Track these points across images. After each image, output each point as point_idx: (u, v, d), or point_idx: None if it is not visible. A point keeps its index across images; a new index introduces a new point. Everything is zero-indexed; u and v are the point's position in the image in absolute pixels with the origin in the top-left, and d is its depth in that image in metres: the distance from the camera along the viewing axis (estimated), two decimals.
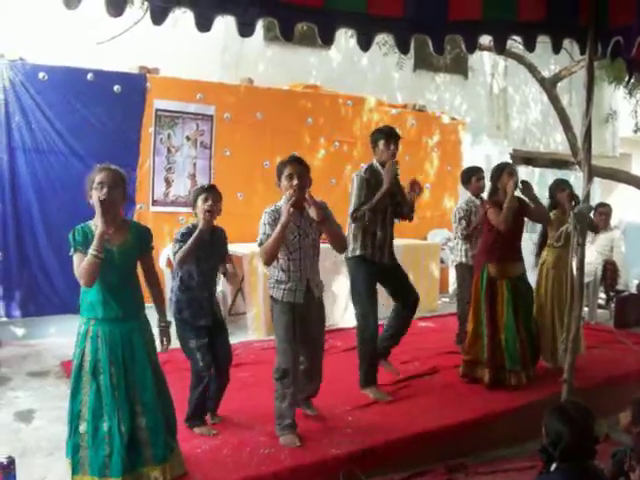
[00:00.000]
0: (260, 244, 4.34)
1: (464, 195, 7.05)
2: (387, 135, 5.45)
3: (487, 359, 5.61)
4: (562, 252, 6.03)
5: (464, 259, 6.76)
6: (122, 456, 3.53)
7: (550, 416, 3.14)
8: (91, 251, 3.47)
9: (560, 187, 6.33)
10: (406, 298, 5.56)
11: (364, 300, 5.36)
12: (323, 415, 4.94)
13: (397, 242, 5.76)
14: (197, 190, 4.58)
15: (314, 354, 4.74)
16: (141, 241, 3.81)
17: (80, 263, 3.52)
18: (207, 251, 4.50)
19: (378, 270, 5.40)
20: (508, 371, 5.61)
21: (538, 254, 6.47)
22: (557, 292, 6.15)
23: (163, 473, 3.68)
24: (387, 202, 5.37)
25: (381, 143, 5.43)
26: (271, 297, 4.54)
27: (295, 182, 4.25)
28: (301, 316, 4.49)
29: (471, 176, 6.76)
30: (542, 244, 6.43)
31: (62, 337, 6.60)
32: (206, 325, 4.56)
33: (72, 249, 3.62)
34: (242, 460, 4.19)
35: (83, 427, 3.60)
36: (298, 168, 4.32)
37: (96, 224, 3.56)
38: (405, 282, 5.61)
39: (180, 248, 4.39)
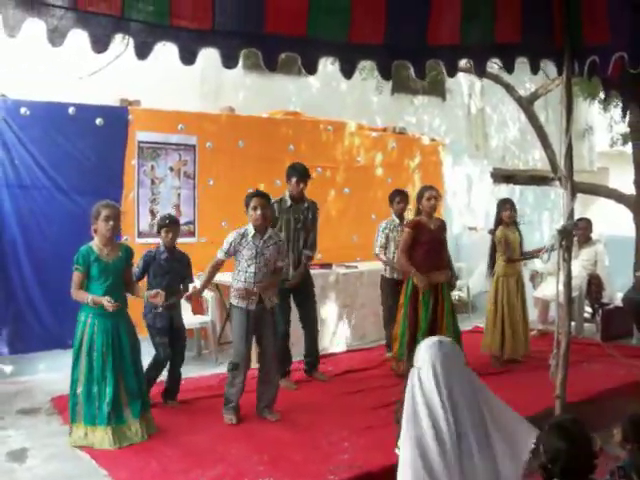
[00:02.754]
0: (222, 247, 5.47)
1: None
2: (299, 173, 6.44)
3: (407, 356, 6.22)
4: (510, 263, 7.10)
5: (383, 272, 7.51)
6: (107, 410, 4.86)
7: (548, 433, 3.16)
8: (89, 301, 4.88)
9: (504, 206, 7.25)
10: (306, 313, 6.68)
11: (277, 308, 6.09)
12: (320, 441, 4.95)
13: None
14: (160, 223, 5.98)
15: (268, 360, 5.55)
16: (127, 258, 5.18)
17: (76, 281, 4.96)
18: (163, 268, 5.76)
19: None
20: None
21: (491, 266, 7.33)
22: (508, 297, 7.09)
23: (139, 427, 4.99)
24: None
25: (293, 180, 6.43)
26: (230, 304, 5.56)
27: (258, 212, 5.30)
28: (255, 322, 5.43)
29: (393, 198, 7.47)
30: (492, 257, 7.29)
31: (52, 373, 6.55)
32: (163, 327, 5.74)
33: (74, 267, 4.94)
34: None
35: (80, 389, 4.92)
36: (261, 201, 5.35)
37: (97, 245, 4.99)
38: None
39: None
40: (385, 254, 7.39)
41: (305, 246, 6.56)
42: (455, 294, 8.42)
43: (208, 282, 5.69)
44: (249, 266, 5.38)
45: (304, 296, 6.65)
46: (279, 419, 5.45)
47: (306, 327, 6.72)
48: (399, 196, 7.48)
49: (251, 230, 5.39)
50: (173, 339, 5.86)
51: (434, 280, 6.47)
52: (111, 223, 4.98)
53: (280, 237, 5.67)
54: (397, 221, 7.40)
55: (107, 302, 4.79)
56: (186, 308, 7.24)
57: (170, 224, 5.89)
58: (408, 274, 6.55)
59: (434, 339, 2.85)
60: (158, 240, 6.01)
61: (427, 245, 6.46)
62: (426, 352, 2.75)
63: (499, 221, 7.22)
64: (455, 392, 2.69)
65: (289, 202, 6.47)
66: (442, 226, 6.68)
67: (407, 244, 6.48)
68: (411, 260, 6.52)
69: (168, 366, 5.89)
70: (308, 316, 6.70)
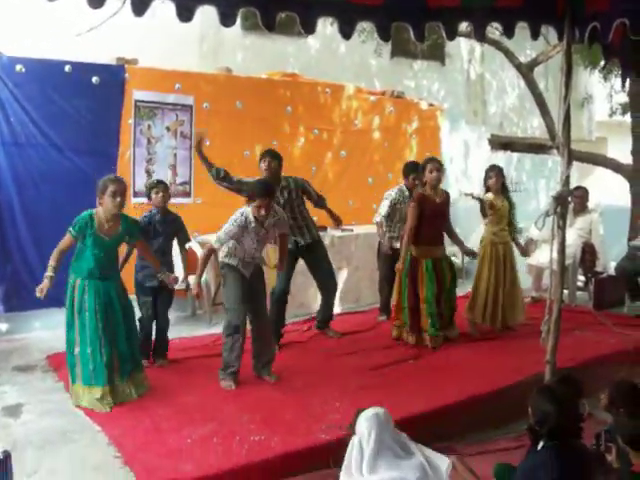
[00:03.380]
0: (219, 236, 5.28)
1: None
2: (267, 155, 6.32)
3: (410, 325, 6.50)
4: (497, 229, 7.02)
5: (382, 239, 7.42)
6: (102, 371, 4.90)
7: (537, 396, 3.21)
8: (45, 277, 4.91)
9: (490, 173, 7.04)
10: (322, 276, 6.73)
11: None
12: (311, 401, 4.99)
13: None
14: (149, 185, 6.02)
15: (261, 320, 5.53)
16: (130, 233, 5.15)
17: (63, 243, 4.95)
18: (157, 231, 5.79)
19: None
20: (429, 336, 6.43)
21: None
22: (495, 264, 6.98)
23: (127, 388, 5.04)
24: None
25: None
26: (223, 264, 5.43)
27: (262, 212, 5.18)
28: (249, 285, 5.38)
29: (409, 174, 7.25)
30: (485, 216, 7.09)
31: (47, 331, 6.59)
32: (152, 286, 5.78)
33: (69, 229, 4.89)
34: (232, 449, 4.23)
35: (77, 350, 4.94)
36: (264, 201, 5.16)
37: (100, 217, 4.93)
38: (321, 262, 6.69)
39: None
40: (388, 224, 7.33)
41: (320, 206, 6.72)
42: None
43: (202, 272, 5.48)
44: (248, 247, 5.35)
45: (317, 260, 6.65)
46: (277, 380, 5.45)
47: (323, 288, 6.78)
48: (414, 173, 7.15)
49: (252, 219, 5.24)
50: (161, 298, 5.92)
51: (433, 254, 6.50)
52: (118, 199, 4.92)
53: (280, 213, 5.50)
54: (407, 193, 7.30)
55: (39, 292, 4.82)
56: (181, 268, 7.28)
57: (158, 184, 5.93)
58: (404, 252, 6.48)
59: (371, 413, 3.32)
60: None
61: (429, 219, 6.42)
62: (364, 424, 3.22)
63: (487, 189, 7.12)
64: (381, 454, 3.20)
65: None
66: (446, 199, 6.63)
67: (414, 220, 6.37)
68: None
69: (155, 325, 5.97)
70: (325, 278, 6.73)
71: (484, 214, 7.06)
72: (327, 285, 6.78)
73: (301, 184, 6.57)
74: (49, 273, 4.90)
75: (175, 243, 6.05)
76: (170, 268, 5.90)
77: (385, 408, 2.99)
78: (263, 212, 5.18)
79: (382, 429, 2.85)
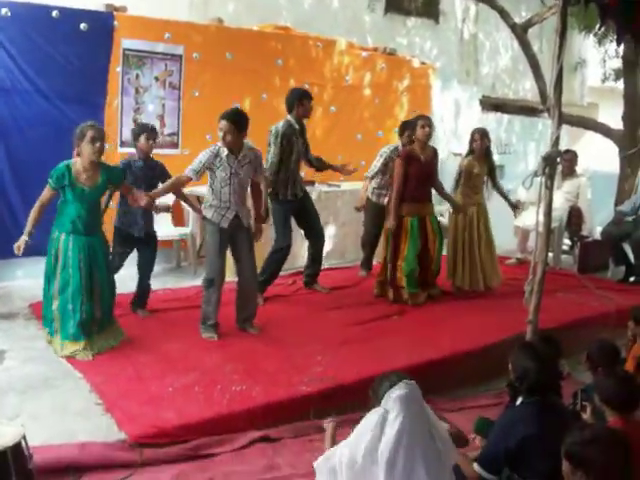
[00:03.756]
0: (192, 164, 5.27)
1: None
2: (309, 94, 6.49)
3: (389, 281, 6.55)
4: (468, 191, 7.05)
5: (370, 195, 7.52)
6: (82, 327, 4.86)
7: (518, 353, 3.24)
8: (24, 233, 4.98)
9: (474, 136, 7.05)
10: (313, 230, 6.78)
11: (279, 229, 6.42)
12: (293, 354, 5.03)
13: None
14: (140, 129, 5.83)
15: (246, 274, 5.49)
16: (112, 180, 5.07)
17: (43, 195, 4.92)
18: (137, 177, 5.62)
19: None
20: (407, 293, 6.49)
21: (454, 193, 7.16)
22: (467, 228, 7.02)
23: (109, 338, 5.07)
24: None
25: (306, 101, 6.41)
26: (204, 217, 5.43)
27: (227, 137, 5.13)
28: (230, 238, 5.37)
29: (404, 131, 7.17)
30: (457, 183, 7.14)
31: (30, 279, 6.52)
32: (137, 236, 5.69)
33: (47, 181, 4.86)
34: (214, 398, 4.27)
35: (55, 304, 4.93)
36: (227, 126, 5.12)
37: (78, 167, 4.85)
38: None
39: None
40: (379, 181, 7.38)
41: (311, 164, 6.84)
42: None
43: (165, 192, 5.49)
44: (223, 187, 5.25)
45: (308, 212, 6.69)
46: (259, 332, 5.50)
47: (313, 243, 6.81)
48: (409, 131, 7.12)
49: (224, 150, 5.23)
50: (144, 250, 5.88)
51: (420, 212, 6.52)
52: (97, 145, 4.83)
53: (257, 155, 5.47)
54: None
55: (17, 249, 4.94)
56: (166, 219, 7.25)
57: (152, 130, 5.85)
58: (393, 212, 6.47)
59: (404, 387, 2.90)
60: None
61: (416, 177, 6.43)
62: (396, 401, 2.84)
63: (471, 150, 7.10)
64: (413, 434, 2.80)
65: (297, 126, 6.40)
66: (433, 156, 6.63)
67: (401, 177, 6.41)
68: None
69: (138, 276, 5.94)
70: (316, 233, 6.77)
71: (457, 183, 7.11)
72: (318, 239, 6.81)
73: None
74: (28, 228, 4.91)
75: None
76: (150, 217, 5.85)
77: (413, 382, 2.93)
78: (229, 138, 5.13)
79: (413, 412, 2.79)
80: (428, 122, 6.50)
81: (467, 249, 7.02)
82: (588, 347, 4.08)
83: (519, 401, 3.21)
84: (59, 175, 4.82)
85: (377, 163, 7.36)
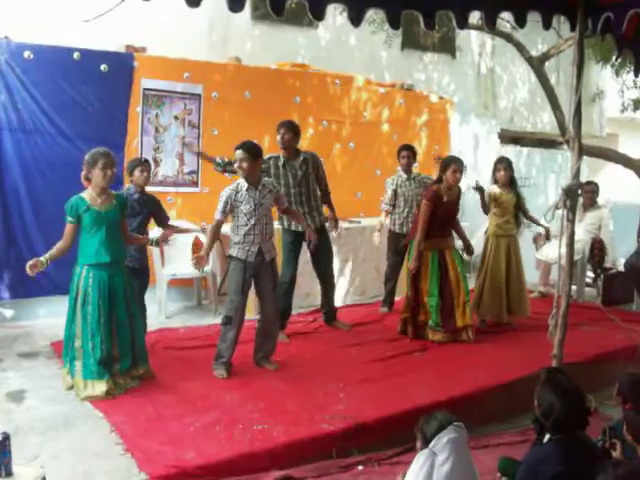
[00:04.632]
0: (217, 207, 5.32)
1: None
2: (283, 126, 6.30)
3: (410, 318, 6.47)
4: (502, 222, 7.00)
5: (391, 226, 7.55)
6: (103, 365, 4.83)
7: (543, 387, 3.18)
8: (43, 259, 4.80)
9: (497, 167, 7.05)
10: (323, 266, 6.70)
11: (286, 258, 6.42)
12: (315, 392, 4.97)
13: None
14: (133, 163, 5.88)
15: (268, 311, 5.50)
16: (122, 207, 5.08)
17: (66, 232, 4.89)
18: (134, 210, 5.64)
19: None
20: (429, 327, 6.43)
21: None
22: (496, 259, 6.96)
23: (129, 379, 5.02)
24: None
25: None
26: (228, 255, 5.43)
27: (244, 165, 5.22)
28: (253, 274, 5.37)
29: (399, 152, 7.50)
30: (486, 212, 7.11)
31: (52, 318, 6.58)
32: (130, 267, 5.49)
33: (66, 219, 4.88)
34: (235, 437, 4.22)
35: (78, 343, 4.88)
36: (243, 155, 5.23)
37: (90, 194, 4.88)
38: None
39: None
40: (394, 210, 7.44)
41: (324, 199, 6.63)
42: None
43: (211, 245, 5.41)
44: (249, 219, 5.27)
45: (321, 249, 6.51)
46: (277, 368, 5.47)
47: (321, 278, 6.75)
48: (404, 150, 7.48)
49: (244, 184, 5.29)
50: (137, 282, 5.65)
51: (440, 246, 6.46)
52: (109, 172, 4.87)
53: (274, 185, 5.58)
54: (405, 176, 7.42)
55: (29, 269, 4.76)
56: (186, 258, 7.28)
57: (145, 163, 5.91)
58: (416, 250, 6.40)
59: (455, 430, 2.92)
60: (159, 188, 5.99)
61: (440, 217, 6.38)
62: (447, 445, 2.86)
63: (494, 181, 7.09)
64: (461, 476, 2.89)
65: (282, 159, 6.29)
66: (458, 197, 6.57)
67: (427, 219, 6.31)
68: (416, 225, 6.49)
69: None
70: (325, 268, 6.70)
71: (484, 208, 7.05)
72: (327, 275, 6.76)
73: (318, 161, 6.56)
74: (44, 256, 4.84)
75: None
76: (143, 250, 5.88)
77: (461, 424, 2.90)
78: (244, 165, 5.21)
79: (461, 455, 2.76)
80: (460, 167, 6.33)
81: (497, 280, 6.94)
82: (619, 381, 3.98)
83: (546, 438, 3.14)
84: (74, 205, 4.85)
85: (386, 195, 7.47)
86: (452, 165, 6.30)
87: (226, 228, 5.86)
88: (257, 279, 5.44)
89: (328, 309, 6.88)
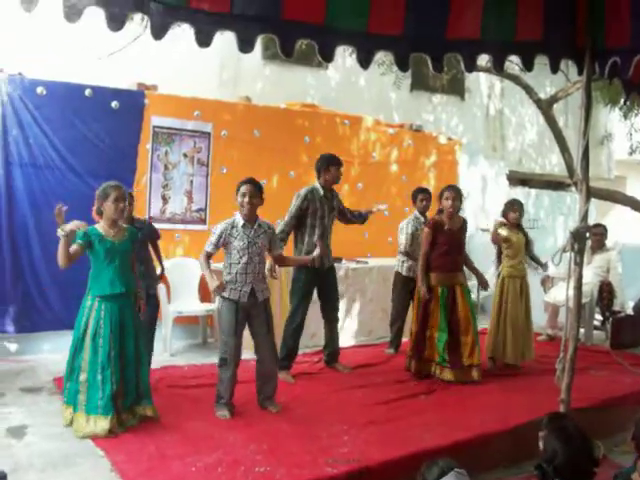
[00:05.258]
0: (206, 251, 5.31)
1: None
2: (338, 161, 6.51)
3: (413, 352, 6.51)
4: (515, 262, 7.02)
5: (399, 269, 7.54)
6: (111, 400, 4.75)
7: (548, 432, 3.13)
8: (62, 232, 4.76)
9: (512, 207, 7.09)
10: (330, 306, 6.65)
11: (298, 298, 6.38)
12: (318, 434, 4.91)
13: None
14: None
15: (264, 354, 5.41)
16: (132, 239, 5.11)
17: (72, 250, 4.77)
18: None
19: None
20: (436, 364, 6.42)
21: (497, 266, 7.23)
22: (512, 300, 6.96)
23: (132, 416, 4.97)
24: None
25: (332, 169, 6.44)
26: (220, 296, 5.33)
27: (246, 199, 5.19)
28: (246, 315, 5.30)
29: (417, 195, 7.51)
30: (499, 257, 7.18)
31: (55, 354, 6.56)
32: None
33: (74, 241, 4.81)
34: (237, 478, 4.14)
35: (83, 377, 4.81)
36: (251, 189, 5.22)
37: (102, 227, 4.92)
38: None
39: None
40: (409, 253, 7.41)
41: (346, 218, 6.80)
42: None
43: (210, 273, 5.30)
44: (241, 257, 5.21)
45: (330, 287, 6.60)
46: (280, 410, 5.41)
47: (328, 318, 6.68)
48: (422, 194, 7.52)
49: (240, 220, 5.26)
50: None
51: (451, 282, 6.44)
52: (120, 205, 4.91)
53: (271, 226, 5.49)
54: (422, 219, 7.43)
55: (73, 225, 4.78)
56: (193, 295, 7.26)
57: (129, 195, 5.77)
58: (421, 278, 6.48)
59: (456, 477, 2.88)
60: (167, 225, 6.00)
61: (445, 246, 6.40)
62: None
63: (505, 221, 7.11)
64: None
65: (321, 192, 6.41)
66: (462, 227, 6.61)
67: (427, 245, 6.44)
68: (429, 260, 6.51)
69: None
70: (331, 308, 6.65)
71: (497, 245, 7.12)
72: (332, 315, 6.70)
73: (340, 199, 6.70)
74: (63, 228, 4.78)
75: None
76: (149, 277, 5.90)
77: (463, 471, 2.86)
78: (255, 202, 5.22)
79: None
80: (452, 194, 6.45)
81: (510, 322, 6.91)
82: (635, 426, 3.90)
83: None
84: (86, 232, 4.84)
85: (403, 240, 7.42)
86: (445, 192, 6.47)
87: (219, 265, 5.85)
88: (250, 320, 5.36)
89: (332, 350, 6.79)
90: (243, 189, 5.23)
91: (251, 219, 5.29)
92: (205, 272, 5.35)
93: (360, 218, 6.92)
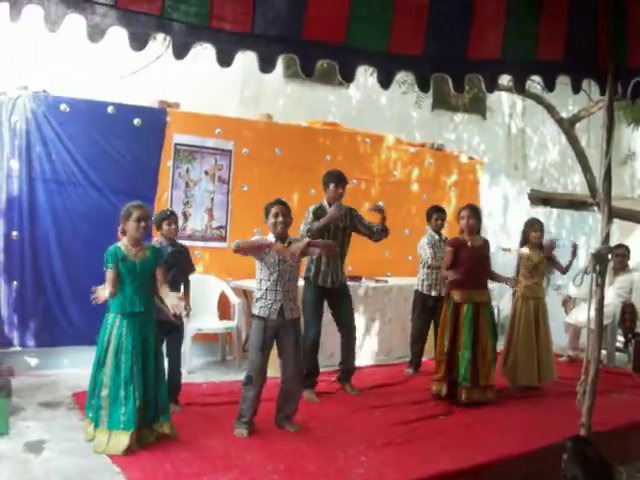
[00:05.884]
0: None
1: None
2: (337, 179, 6.44)
3: (444, 374, 6.37)
4: (531, 283, 7.01)
5: (419, 287, 7.55)
6: (134, 415, 4.78)
7: (570, 457, 3.09)
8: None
9: (534, 227, 7.09)
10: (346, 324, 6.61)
11: (309, 315, 6.31)
12: (335, 454, 4.88)
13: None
14: (160, 216, 5.91)
15: (289, 372, 5.40)
16: (156, 258, 5.11)
17: (109, 278, 4.85)
18: (170, 264, 5.61)
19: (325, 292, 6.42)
20: (460, 386, 6.26)
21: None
22: (525, 320, 6.94)
23: (150, 433, 4.99)
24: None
25: (331, 186, 6.40)
26: (252, 315, 5.39)
27: (280, 219, 5.25)
28: (275, 334, 5.30)
29: (431, 215, 7.60)
30: (517, 274, 7.12)
31: (75, 368, 6.59)
32: (164, 321, 5.44)
33: (105, 267, 4.88)
34: None
35: (105, 392, 4.84)
36: (282, 208, 5.31)
37: (125, 245, 4.96)
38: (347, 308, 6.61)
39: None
40: (422, 271, 7.48)
41: (372, 234, 6.63)
42: None
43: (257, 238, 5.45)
44: (271, 274, 5.23)
45: (343, 304, 6.58)
46: (298, 430, 5.38)
47: (344, 335, 6.63)
48: (437, 213, 7.57)
49: (272, 237, 5.30)
50: (171, 336, 5.81)
51: (475, 299, 6.40)
52: (142, 224, 4.95)
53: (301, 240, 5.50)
54: (437, 237, 7.48)
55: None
56: (212, 312, 7.26)
57: (171, 215, 5.92)
58: (450, 284, 6.47)
59: None
60: (188, 242, 6.02)
61: (467, 263, 6.36)
62: None
63: (525, 241, 7.10)
64: None
65: (328, 208, 6.38)
66: (484, 245, 6.59)
67: (449, 262, 6.43)
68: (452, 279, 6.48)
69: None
70: (347, 324, 6.61)
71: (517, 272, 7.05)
72: (347, 334, 6.63)
73: (356, 214, 6.66)
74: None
75: None
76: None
77: None
78: (288, 220, 5.31)
79: None
80: (467, 213, 6.48)
81: (525, 343, 6.87)
82: None
83: None
84: (113, 254, 4.88)
85: (427, 252, 7.44)
86: (461, 212, 6.57)
87: (251, 284, 5.85)
88: (279, 340, 5.36)
89: (345, 367, 6.71)
90: (275, 210, 5.29)
91: (283, 237, 5.32)
92: (253, 240, 5.38)
93: (382, 231, 6.67)
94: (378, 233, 6.62)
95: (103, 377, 4.88)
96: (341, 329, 6.63)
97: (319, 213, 6.32)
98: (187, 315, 5.64)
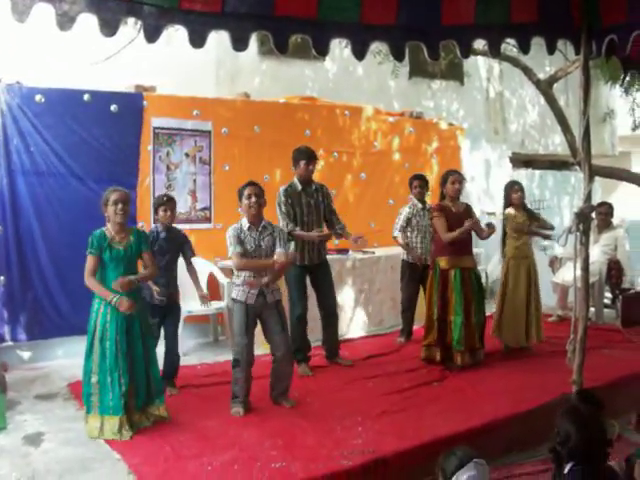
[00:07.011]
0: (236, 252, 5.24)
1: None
2: (308, 156, 6.37)
3: (436, 340, 6.42)
4: (520, 244, 7.01)
5: (405, 256, 7.57)
6: (121, 400, 4.82)
7: (562, 415, 3.12)
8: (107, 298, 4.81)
9: (513, 188, 7.09)
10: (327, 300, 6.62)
11: (294, 293, 6.41)
12: (332, 427, 4.92)
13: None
14: (157, 202, 5.95)
15: (280, 354, 5.40)
16: (140, 242, 5.06)
17: (90, 266, 4.85)
18: (162, 248, 5.73)
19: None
20: (455, 351, 6.34)
21: (502, 249, 7.21)
22: (515, 282, 6.97)
23: (148, 416, 5.06)
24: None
25: (302, 163, 6.35)
26: (231, 298, 5.43)
27: (253, 200, 5.24)
28: (257, 316, 5.36)
29: (412, 182, 7.56)
30: (504, 239, 7.13)
31: (69, 359, 6.59)
32: (160, 305, 5.67)
33: (87, 251, 4.84)
34: (253, 475, 4.16)
35: (94, 379, 4.87)
36: (255, 189, 5.30)
37: (109, 230, 4.91)
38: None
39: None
40: (405, 238, 7.44)
41: (332, 227, 6.54)
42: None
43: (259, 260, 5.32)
44: (249, 259, 5.25)
45: (322, 281, 6.58)
46: (294, 405, 5.42)
47: (325, 314, 6.64)
48: (417, 180, 7.52)
49: (245, 223, 5.30)
50: (169, 319, 5.84)
51: (462, 265, 6.44)
52: (120, 206, 4.89)
53: (276, 227, 5.48)
54: (420, 205, 7.45)
55: (125, 305, 4.78)
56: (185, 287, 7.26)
57: (168, 202, 5.87)
58: (436, 250, 6.57)
59: (475, 467, 2.91)
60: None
61: (453, 228, 6.37)
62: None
63: (508, 203, 7.10)
64: None
65: (299, 186, 6.39)
66: (467, 209, 6.61)
67: (445, 227, 6.38)
68: (437, 245, 6.58)
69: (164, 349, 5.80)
70: (327, 301, 6.61)
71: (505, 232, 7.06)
72: (330, 310, 6.66)
73: (327, 191, 6.64)
74: (105, 297, 4.83)
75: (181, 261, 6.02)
76: (175, 284, 5.91)
77: (482, 461, 2.88)
78: (261, 202, 5.28)
79: None
80: (459, 178, 6.51)
81: (517, 304, 6.92)
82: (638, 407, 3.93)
83: (566, 469, 3.07)
84: (98, 238, 4.85)
85: (399, 222, 7.47)
86: (450, 177, 6.50)
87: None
88: (263, 322, 5.40)
89: (330, 345, 6.74)
90: (247, 191, 5.28)
91: (256, 221, 5.32)
92: (255, 263, 5.29)
93: (339, 235, 6.62)
94: (335, 231, 6.57)
95: (92, 364, 4.90)
96: (321, 309, 6.64)
97: (290, 192, 6.33)
98: (205, 304, 6.03)
